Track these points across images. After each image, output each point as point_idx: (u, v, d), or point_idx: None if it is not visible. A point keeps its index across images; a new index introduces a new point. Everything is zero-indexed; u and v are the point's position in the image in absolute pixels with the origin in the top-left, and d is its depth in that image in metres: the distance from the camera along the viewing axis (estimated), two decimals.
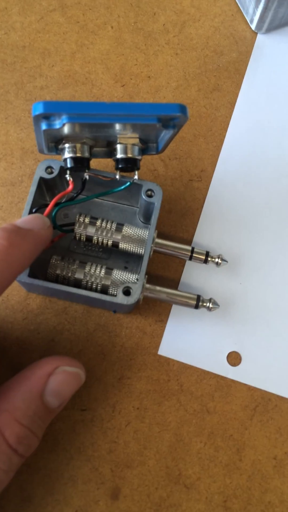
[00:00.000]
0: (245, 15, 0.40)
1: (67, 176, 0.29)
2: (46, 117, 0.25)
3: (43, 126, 0.26)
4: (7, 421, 0.25)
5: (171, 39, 0.40)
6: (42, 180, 0.31)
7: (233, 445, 0.32)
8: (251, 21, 0.40)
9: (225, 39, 0.40)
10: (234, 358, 0.33)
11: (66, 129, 0.26)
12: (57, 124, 0.26)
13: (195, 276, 0.35)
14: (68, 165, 0.28)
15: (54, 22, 0.39)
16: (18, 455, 0.25)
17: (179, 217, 0.36)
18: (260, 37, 0.40)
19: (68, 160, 0.28)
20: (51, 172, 0.31)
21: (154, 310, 0.34)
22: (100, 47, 0.39)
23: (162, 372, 0.33)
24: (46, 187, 0.32)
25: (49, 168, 0.31)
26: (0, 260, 0.24)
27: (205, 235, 0.36)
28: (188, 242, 0.35)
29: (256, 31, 0.40)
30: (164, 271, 0.35)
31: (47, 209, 0.29)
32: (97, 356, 0.33)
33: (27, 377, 0.26)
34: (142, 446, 0.32)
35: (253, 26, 0.40)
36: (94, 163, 0.30)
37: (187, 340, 0.33)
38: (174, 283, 0.35)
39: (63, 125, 0.26)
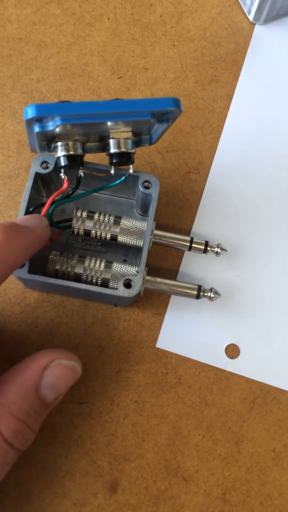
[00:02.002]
0: (242, 6, 0.40)
1: (62, 175, 0.28)
2: (39, 119, 0.25)
3: (36, 129, 0.26)
4: (2, 415, 0.24)
5: (168, 31, 0.39)
6: (37, 175, 0.31)
7: (232, 438, 0.32)
8: (249, 12, 0.39)
9: (223, 30, 0.40)
10: (232, 351, 0.33)
11: (58, 129, 0.26)
12: (50, 126, 0.26)
13: (193, 267, 0.34)
14: (62, 164, 0.28)
15: (50, 14, 0.39)
16: (14, 449, 0.25)
17: (177, 209, 0.36)
18: (258, 28, 0.40)
19: (62, 159, 0.28)
20: (47, 167, 0.30)
21: (152, 303, 0.34)
22: (96, 39, 0.39)
23: (160, 365, 0.33)
24: (42, 182, 0.32)
25: (44, 163, 0.30)
26: None
27: (203, 227, 0.35)
28: (186, 234, 0.35)
29: (253, 22, 0.40)
30: (162, 263, 0.34)
31: (44, 209, 0.29)
32: (95, 349, 0.33)
33: (22, 370, 0.26)
34: (140, 439, 0.31)
35: (250, 17, 0.39)
36: (89, 156, 0.30)
37: (185, 333, 0.33)
38: (172, 275, 0.34)
39: (56, 126, 0.25)
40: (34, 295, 0.33)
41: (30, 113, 0.24)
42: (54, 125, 0.25)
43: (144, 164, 0.36)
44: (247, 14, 0.40)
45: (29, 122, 0.25)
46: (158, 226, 0.35)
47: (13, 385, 0.25)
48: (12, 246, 0.25)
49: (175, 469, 0.31)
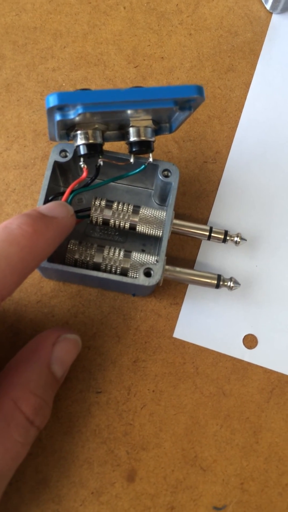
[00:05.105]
0: None
1: (81, 164, 0.28)
2: (61, 108, 0.25)
3: (57, 117, 0.25)
4: (23, 394, 0.25)
5: (184, 19, 0.39)
6: (56, 164, 0.30)
7: (250, 428, 0.32)
8: (266, 1, 0.39)
9: (240, 19, 0.39)
10: (250, 341, 0.33)
11: (78, 117, 0.26)
12: (71, 114, 0.25)
13: (210, 257, 0.34)
14: (81, 152, 0.28)
15: (65, 3, 0.39)
16: (34, 427, 0.26)
17: (194, 199, 0.35)
18: (275, 17, 0.39)
19: (81, 147, 0.27)
20: (66, 156, 0.30)
21: (169, 293, 0.34)
22: (112, 28, 0.38)
23: (178, 355, 0.33)
24: (60, 171, 0.32)
25: (63, 152, 0.30)
26: (24, 246, 0.24)
27: (220, 217, 0.35)
28: (203, 224, 0.35)
29: (271, 11, 0.39)
30: (179, 253, 0.34)
31: (64, 197, 0.28)
32: (112, 339, 0.33)
33: (34, 349, 0.27)
34: (158, 429, 0.31)
35: (268, 6, 0.39)
36: (107, 144, 0.30)
37: (202, 323, 0.33)
38: (189, 265, 0.34)
39: (78, 115, 0.25)
40: (51, 284, 0.33)
41: (52, 101, 0.24)
42: (75, 114, 0.25)
43: (161, 154, 0.36)
44: (264, 3, 0.39)
45: (51, 111, 0.25)
46: (175, 216, 0.34)
47: (29, 364, 0.26)
48: (41, 239, 0.25)
49: (193, 459, 0.31)
